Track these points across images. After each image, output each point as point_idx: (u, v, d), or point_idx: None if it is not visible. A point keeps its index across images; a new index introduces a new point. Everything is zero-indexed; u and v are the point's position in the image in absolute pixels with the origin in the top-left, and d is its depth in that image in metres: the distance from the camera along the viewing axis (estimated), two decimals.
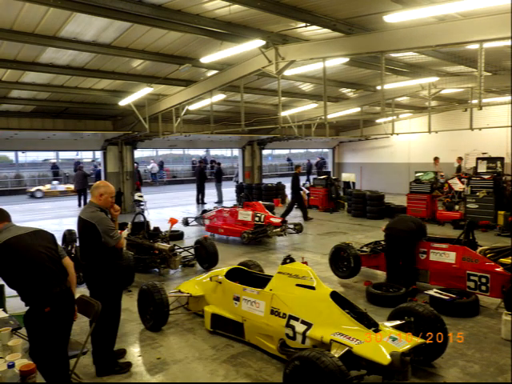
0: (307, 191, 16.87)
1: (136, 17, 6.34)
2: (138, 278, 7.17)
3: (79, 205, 18.23)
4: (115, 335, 4.41)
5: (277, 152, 39.10)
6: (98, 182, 4.30)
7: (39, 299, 3.20)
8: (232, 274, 5.44)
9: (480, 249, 6.24)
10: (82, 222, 4.09)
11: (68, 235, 8.93)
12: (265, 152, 23.54)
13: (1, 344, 2.94)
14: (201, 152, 37.63)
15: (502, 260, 5.96)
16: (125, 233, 8.27)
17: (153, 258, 7.67)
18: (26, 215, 16.67)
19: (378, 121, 16.43)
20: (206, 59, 8.05)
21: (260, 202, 11.49)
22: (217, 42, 7.68)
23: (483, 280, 5.82)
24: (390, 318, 4.42)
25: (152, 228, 8.60)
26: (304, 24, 6.98)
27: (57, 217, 15.72)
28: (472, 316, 5.54)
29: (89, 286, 4.28)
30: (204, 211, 12.03)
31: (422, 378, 4.10)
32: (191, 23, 6.73)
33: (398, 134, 13.91)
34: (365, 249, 7.30)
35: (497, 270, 5.73)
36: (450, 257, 6.23)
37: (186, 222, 11.93)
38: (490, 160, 13.34)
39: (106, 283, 4.19)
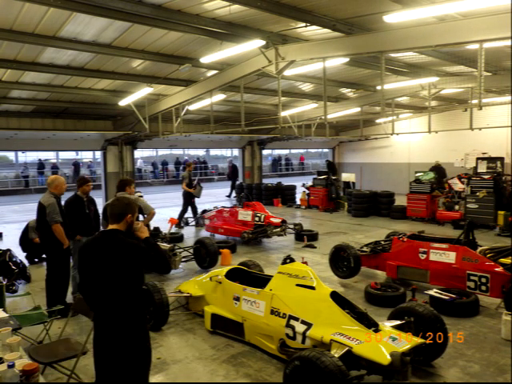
0: (307, 191, 16.88)
1: (136, 17, 6.34)
2: None
3: None
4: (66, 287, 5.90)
5: (277, 152, 39.10)
6: (52, 178, 5.83)
7: None
8: (232, 274, 5.44)
9: (480, 249, 6.24)
10: (40, 204, 5.64)
11: None
12: (265, 152, 23.53)
13: (1, 344, 2.94)
14: (201, 152, 37.65)
15: (502, 260, 5.96)
16: None
17: None
18: (28, 215, 16.65)
19: (377, 121, 16.43)
20: (205, 59, 8.04)
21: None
22: (217, 42, 7.68)
23: (483, 280, 5.82)
24: (390, 318, 4.42)
25: (152, 228, 8.60)
26: (304, 24, 6.98)
27: None
28: (472, 316, 5.54)
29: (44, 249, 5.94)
30: (204, 211, 12.02)
31: (422, 378, 4.10)
32: (191, 23, 6.73)
33: (398, 134, 13.91)
34: (365, 249, 7.30)
35: (497, 270, 5.73)
36: (450, 257, 6.23)
37: (186, 222, 11.93)
38: (490, 160, 13.34)
39: (53, 245, 5.65)
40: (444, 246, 6.38)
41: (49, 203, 5.57)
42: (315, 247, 9.82)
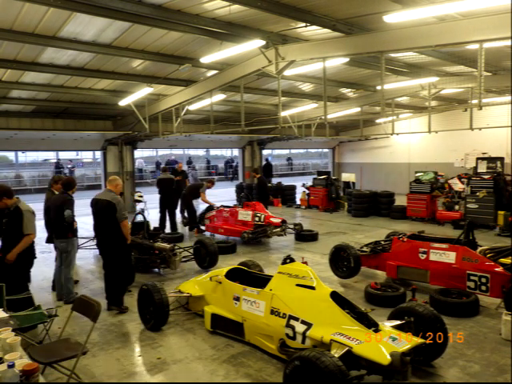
0: (307, 191, 16.88)
1: (136, 17, 6.34)
2: (138, 277, 7.16)
3: None
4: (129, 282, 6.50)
5: (277, 152, 39.07)
6: (113, 177, 6.18)
7: None
8: (232, 274, 5.44)
9: (480, 249, 6.24)
10: (105, 202, 5.84)
11: None
12: (265, 152, 23.52)
13: (1, 344, 2.94)
14: (201, 152, 37.64)
15: (502, 260, 5.96)
16: None
17: (153, 257, 7.66)
18: None
19: (377, 121, 16.43)
20: (205, 59, 8.04)
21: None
22: (217, 42, 7.68)
23: (483, 280, 5.82)
24: (390, 318, 4.42)
25: (152, 228, 8.59)
26: (304, 24, 6.97)
27: None
28: (472, 316, 5.54)
29: (102, 249, 6.14)
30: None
31: (422, 378, 4.10)
32: (191, 23, 6.73)
33: (398, 134, 13.91)
34: (365, 249, 7.30)
35: (497, 270, 5.73)
36: (450, 257, 6.23)
37: (186, 223, 11.92)
38: (490, 160, 13.34)
39: (119, 241, 5.94)
40: (444, 245, 6.37)
41: (118, 200, 5.87)
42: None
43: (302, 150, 39.66)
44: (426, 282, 6.49)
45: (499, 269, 5.72)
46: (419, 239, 6.88)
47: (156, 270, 7.93)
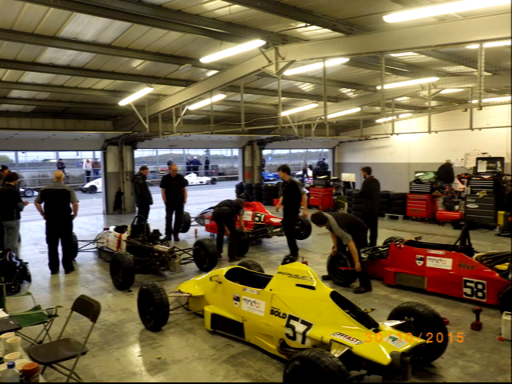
0: (307, 191, 16.87)
1: (136, 17, 6.35)
2: (138, 277, 7.16)
3: None
4: None
5: (277, 152, 39.10)
6: (58, 172, 8.20)
7: None
8: (232, 274, 5.45)
9: (476, 255, 6.23)
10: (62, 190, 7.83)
11: None
12: (265, 152, 23.53)
13: (1, 344, 2.94)
14: (201, 152, 37.66)
15: (498, 266, 5.95)
16: (124, 235, 8.21)
17: (152, 260, 7.59)
18: (26, 215, 16.60)
19: (377, 121, 16.41)
20: (205, 59, 8.04)
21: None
22: (217, 42, 7.68)
23: (479, 286, 5.82)
24: (390, 318, 4.42)
25: (152, 230, 8.53)
26: (304, 24, 6.98)
27: None
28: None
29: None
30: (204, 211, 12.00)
31: (422, 378, 4.09)
32: (191, 23, 6.73)
33: (398, 134, 13.90)
34: (362, 256, 7.27)
35: (493, 276, 5.72)
36: (447, 263, 6.22)
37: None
38: (490, 160, 13.34)
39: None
40: (440, 252, 6.36)
41: (70, 188, 7.98)
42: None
43: (302, 150, 39.67)
44: (423, 288, 6.46)
45: (495, 275, 5.71)
46: (416, 245, 6.86)
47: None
